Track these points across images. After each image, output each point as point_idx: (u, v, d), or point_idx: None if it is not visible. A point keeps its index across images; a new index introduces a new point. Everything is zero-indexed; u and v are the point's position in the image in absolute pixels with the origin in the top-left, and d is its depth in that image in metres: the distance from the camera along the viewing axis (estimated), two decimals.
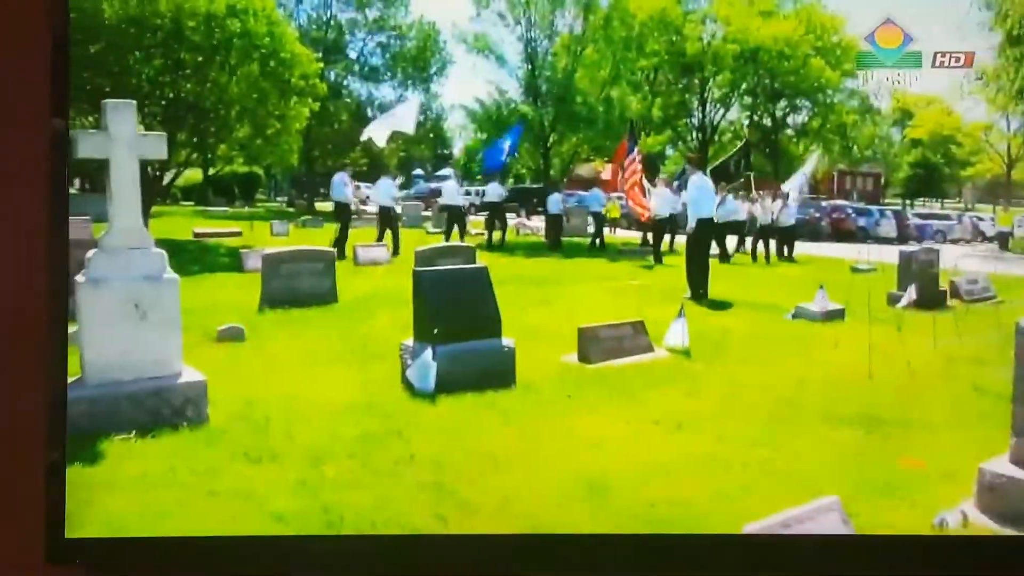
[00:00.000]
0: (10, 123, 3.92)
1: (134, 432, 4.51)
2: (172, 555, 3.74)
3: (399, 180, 14.28)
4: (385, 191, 12.43)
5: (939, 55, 6.25)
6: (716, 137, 17.86)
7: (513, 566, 3.83)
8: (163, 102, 11.09)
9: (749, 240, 13.52)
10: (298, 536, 3.77)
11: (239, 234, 13.20)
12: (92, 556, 3.71)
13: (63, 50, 3.89)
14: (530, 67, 15.57)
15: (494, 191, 14.07)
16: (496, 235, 14.00)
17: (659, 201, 12.44)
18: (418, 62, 17.29)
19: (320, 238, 11.85)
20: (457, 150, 18.75)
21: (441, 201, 14.28)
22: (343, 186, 12.26)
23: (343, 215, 12.14)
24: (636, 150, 12.91)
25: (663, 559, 3.82)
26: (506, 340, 5.88)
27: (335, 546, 3.79)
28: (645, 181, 12.83)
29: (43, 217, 3.89)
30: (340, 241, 11.59)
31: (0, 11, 3.93)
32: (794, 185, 14.17)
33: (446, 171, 17.47)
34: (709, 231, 9.84)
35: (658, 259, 12.46)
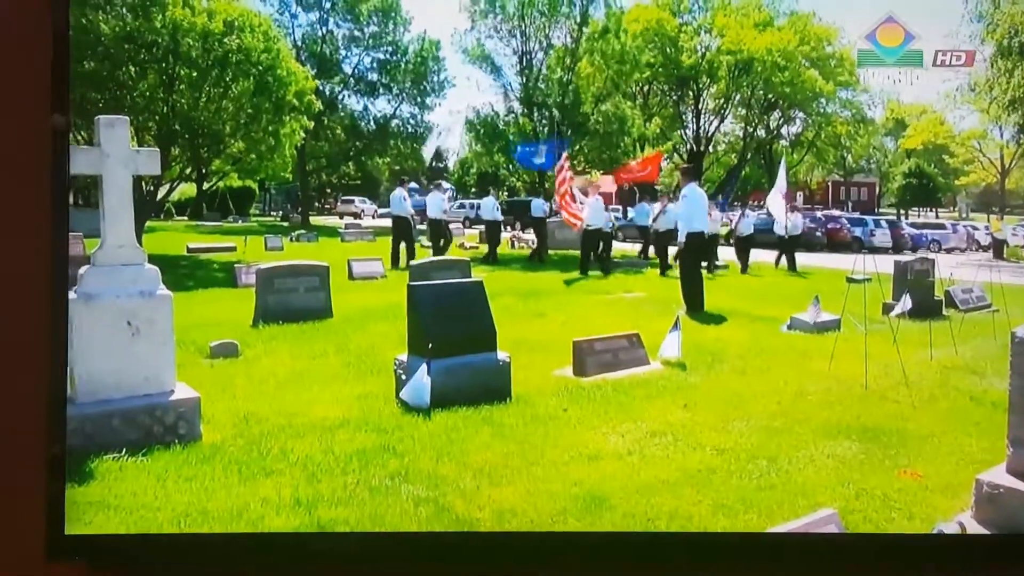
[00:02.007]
0: (10, 119, 3.91)
1: (125, 450, 4.48)
2: (175, 551, 3.73)
3: (448, 193, 14.66)
4: (436, 204, 13.10)
5: (940, 53, 6.22)
6: (711, 148, 17.90)
7: (510, 567, 3.81)
8: (157, 117, 11.10)
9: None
10: (297, 534, 3.77)
11: (233, 249, 13.18)
12: (93, 552, 3.69)
13: (63, 45, 3.88)
14: (526, 80, 15.63)
15: (538, 207, 14.20)
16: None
17: (591, 211, 12.32)
18: (416, 78, 17.33)
19: (314, 253, 11.86)
20: (451, 163, 18.78)
21: (482, 216, 14.76)
22: (402, 201, 12.93)
23: (403, 228, 12.73)
24: (565, 156, 12.63)
25: (662, 559, 3.80)
26: (501, 354, 5.86)
27: (332, 546, 3.77)
28: (576, 190, 12.65)
29: (44, 213, 3.86)
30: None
31: (0, 7, 3.93)
32: (777, 205, 13.92)
33: (443, 184, 17.59)
34: (702, 245, 9.65)
35: (583, 271, 12.39)
